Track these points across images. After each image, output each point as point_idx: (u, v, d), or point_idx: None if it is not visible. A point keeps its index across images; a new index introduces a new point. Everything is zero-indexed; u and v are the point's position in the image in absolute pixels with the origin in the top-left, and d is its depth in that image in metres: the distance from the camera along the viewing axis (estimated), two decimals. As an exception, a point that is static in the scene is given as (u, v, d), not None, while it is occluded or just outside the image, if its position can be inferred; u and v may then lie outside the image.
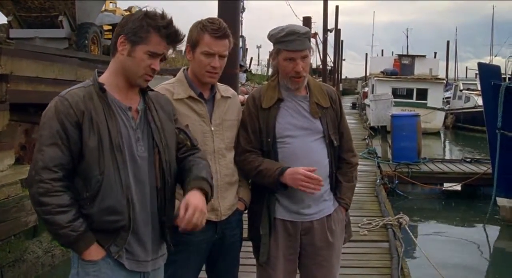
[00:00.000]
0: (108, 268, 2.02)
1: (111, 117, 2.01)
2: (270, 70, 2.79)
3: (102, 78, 2.08)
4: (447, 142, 24.93)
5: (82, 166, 1.98)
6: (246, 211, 2.76)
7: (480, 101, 25.75)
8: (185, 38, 2.17)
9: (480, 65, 9.11)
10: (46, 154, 1.94)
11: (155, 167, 2.13)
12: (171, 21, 2.06)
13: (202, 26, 2.49)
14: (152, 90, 2.24)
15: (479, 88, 28.26)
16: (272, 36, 2.61)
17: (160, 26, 2.02)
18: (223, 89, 2.69)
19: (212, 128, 2.54)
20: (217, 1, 5.85)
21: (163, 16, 2.06)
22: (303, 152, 2.59)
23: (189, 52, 2.55)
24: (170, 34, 2.06)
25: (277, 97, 2.65)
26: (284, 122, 2.63)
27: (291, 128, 2.63)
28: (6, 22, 12.84)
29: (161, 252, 2.22)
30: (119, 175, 1.99)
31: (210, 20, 2.52)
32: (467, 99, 29.01)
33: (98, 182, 1.96)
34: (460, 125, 28.50)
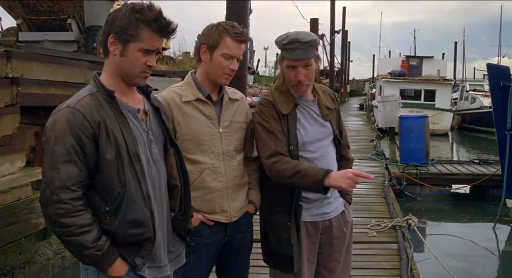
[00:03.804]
0: None
1: (124, 125, 1.92)
2: (278, 72, 2.77)
3: (104, 82, 1.97)
4: (453, 143, 24.82)
5: (99, 179, 1.88)
6: (256, 214, 2.77)
7: (486, 102, 25.74)
8: (178, 28, 2.01)
9: (489, 66, 9.05)
10: (63, 172, 1.81)
11: (172, 167, 2.11)
12: (160, 12, 1.92)
13: (223, 29, 2.50)
14: (154, 89, 2.16)
15: (486, 89, 28.05)
16: (277, 43, 2.60)
17: (149, 20, 1.90)
18: (231, 92, 2.70)
19: (221, 130, 2.55)
20: (223, 2, 5.88)
21: (151, 8, 1.91)
22: (322, 158, 2.61)
23: (204, 53, 2.54)
24: (162, 27, 1.93)
25: (294, 103, 2.62)
26: (303, 128, 2.62)
27: (309, 134, 2.62)
28: (16, 25, 12.92)
29: (178, 251, 2.18)
30: (139, 185, 1.92)
31: (230, 24, 2.53)
32: (473, 100, 28.89)
33: (119, 195, 1.87)
34: (466, 126, 28.37)
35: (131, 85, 2.03)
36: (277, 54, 2.77)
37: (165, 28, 1.95)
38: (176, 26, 1.99)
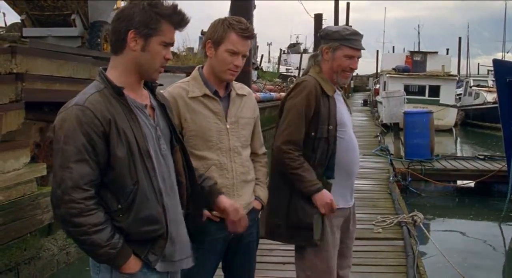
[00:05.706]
0: (143, 276, 1.95)
1: (134, 122, 1.91)
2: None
3: (112, 78, 1.95)
4: (457, 139, 24.76)
5: (110, 177, 1.87)
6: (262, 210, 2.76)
7: (489, 97, 25.66)
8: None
9: (495, 61, 9.02)
10: (75, 172, 1.79)
11: (178, 163, 2.11)
12: (176, 5, 1.96)
13: (228, 24, 2.48)
14: (159, 84, 2.16)
15: (490, 85, 27.91)
16: (335, 33, 2.77)
17: (169, 13, 1.93)
18: (239, 87, 2.68)
19: (228, 126, 2.53)
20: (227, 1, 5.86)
21: (165, 2, 1.96)
22: (353, 143, 2.85)
23: (209, 49, 2.53)
24: (181, 20, 1.97)
25: (334, 89, 2.82)
26: (341, 112, 2.80)
27: (345, 118, 2.83)
28: (20, 21, 12.91)
29: (189, 252, 2.16)
30: (151, 182, 1.91)
31: (237, 19, 2.52)
32: (477, 96, 28.83)
33: (131, 193, 1.87)
34: (469, 122, 28.29)
35: (148, 80, 2.05)
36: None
37: (184, 21, 1.99)
38: (190, 19, 2.02)
